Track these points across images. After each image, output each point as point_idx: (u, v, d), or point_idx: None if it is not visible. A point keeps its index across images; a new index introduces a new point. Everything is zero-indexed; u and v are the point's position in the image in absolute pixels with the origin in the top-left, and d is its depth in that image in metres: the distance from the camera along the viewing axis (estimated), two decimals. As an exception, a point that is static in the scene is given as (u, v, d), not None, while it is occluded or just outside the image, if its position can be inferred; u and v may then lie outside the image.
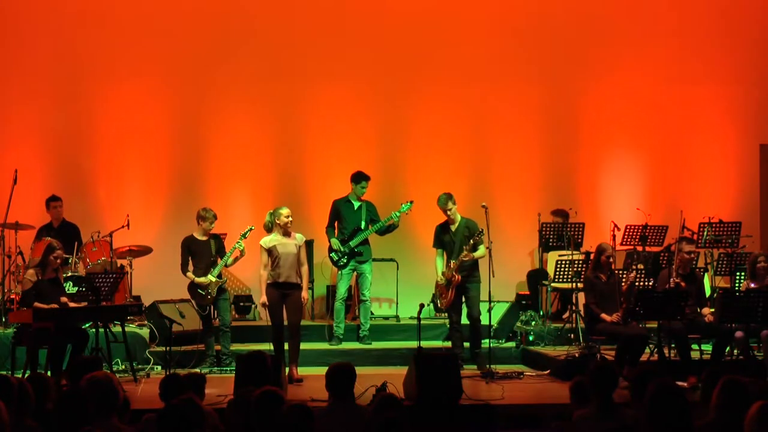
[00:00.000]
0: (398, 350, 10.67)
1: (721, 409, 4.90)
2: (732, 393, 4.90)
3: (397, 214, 10.94)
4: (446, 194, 10.31)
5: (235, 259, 10.36)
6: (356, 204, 11.11)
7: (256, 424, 5.01)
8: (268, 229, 9.78)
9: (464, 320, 10.38)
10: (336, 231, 11.11)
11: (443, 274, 10.29)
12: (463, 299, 10.26)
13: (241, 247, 10.26)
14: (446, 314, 11.76)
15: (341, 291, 11.06)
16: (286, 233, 9.67)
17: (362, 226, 11.01)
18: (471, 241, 10.11)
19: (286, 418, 4.79)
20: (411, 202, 11.02)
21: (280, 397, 5.08)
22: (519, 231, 12.13)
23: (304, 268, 9.75)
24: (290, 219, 9.67)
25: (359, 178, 11.10)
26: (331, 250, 11.07)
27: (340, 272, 11.08)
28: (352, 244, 10.95)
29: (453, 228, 10.32)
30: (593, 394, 5.67)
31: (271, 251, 9.62)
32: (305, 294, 9.76)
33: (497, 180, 12.80)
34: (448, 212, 10.27)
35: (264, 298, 9.65)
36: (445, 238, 10.36)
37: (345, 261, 11.00)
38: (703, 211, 11.98)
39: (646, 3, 13.17)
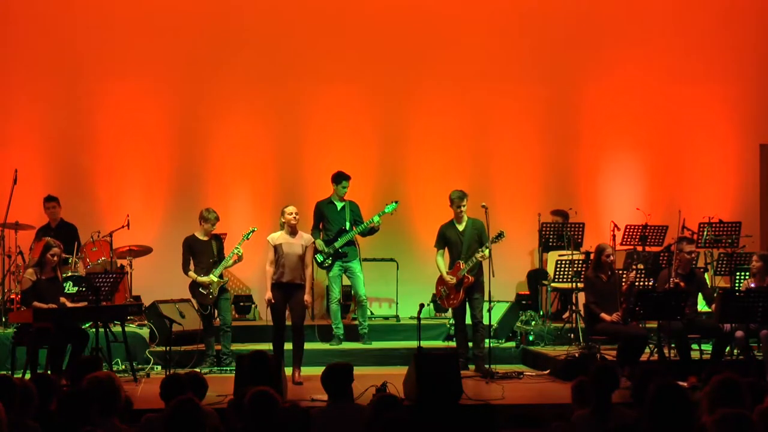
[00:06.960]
0: (398, 350, 10.67)
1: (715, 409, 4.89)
2: (726, 393, 4.88)
3: (378, 217, 10.86)
4: (461, 191, 10.19)
5: (234, 263, 10.38)
6: (339, 205, 11.08)
7: (249, 425, 4.98)
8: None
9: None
10: (321, 233, 11.07)
11: (449, 274, 10.20)
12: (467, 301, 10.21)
13: (240, 252, 10.26)
14: (446, 314, 11.79)
15: (335, 292, 11.04)
16: (293, 232, 9.61)
17: (347, 227, 10.98)
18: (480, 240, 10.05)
19: (281, 419, 4.78)
20: (396, 203, 10.95)
21: (273, 398, 5.01)
22: (519, 231, 12.11)
23: (309, 271, 9.65)
24: (293, 216, 9.58)
25: (339, 178, 11.06)
26: (315, 251, 11.04)
27: (328, 274, 11.06)
28: (337, 245, 10.94)
29: (460, 227, 10.21)
30: (593, 395, 5.68)
31: (276, 249, 9.56)
32: (308, 297, 9.68)
33: (497, 180, 12.79)
34: (461, 209, 10.12)
35: (269, 294, 9.55)
36: (452, 238, 10.21)
37: (330, 262, 10.98)
38: (703, 211, 11.99)
39: (646, 3, 13.17)
